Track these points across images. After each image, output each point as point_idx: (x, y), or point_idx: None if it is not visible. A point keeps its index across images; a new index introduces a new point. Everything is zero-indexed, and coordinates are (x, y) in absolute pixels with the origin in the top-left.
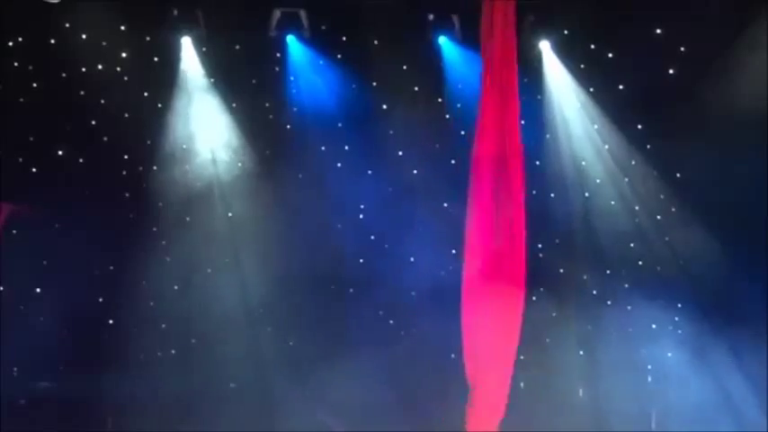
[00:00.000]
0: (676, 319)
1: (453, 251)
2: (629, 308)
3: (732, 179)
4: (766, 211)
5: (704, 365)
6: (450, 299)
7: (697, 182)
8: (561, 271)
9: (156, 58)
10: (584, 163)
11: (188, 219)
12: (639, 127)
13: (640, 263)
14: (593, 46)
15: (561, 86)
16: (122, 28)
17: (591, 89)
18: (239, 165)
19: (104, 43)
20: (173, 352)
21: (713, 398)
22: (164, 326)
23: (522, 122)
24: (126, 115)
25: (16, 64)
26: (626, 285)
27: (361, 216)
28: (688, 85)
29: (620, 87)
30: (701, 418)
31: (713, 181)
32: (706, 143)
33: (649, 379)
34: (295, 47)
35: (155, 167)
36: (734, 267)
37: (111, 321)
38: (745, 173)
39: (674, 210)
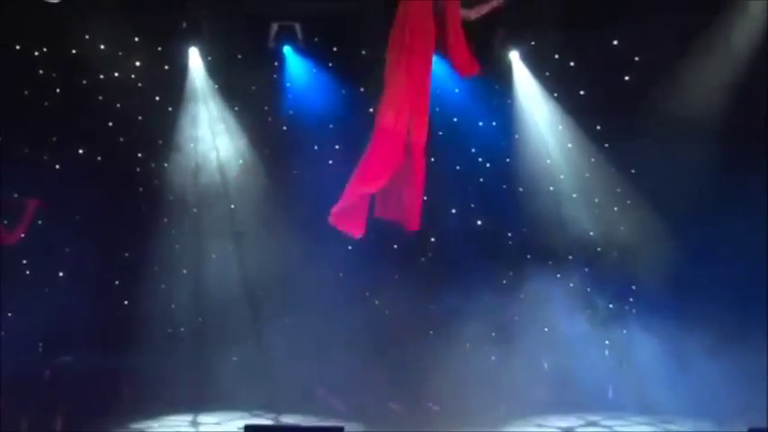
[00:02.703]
0: (631, 299)
1: (432, 239)
2: (588, 289)
3: (679, 173)
4: (710, 201)
5: (655, 341)
6: (425, 282)
7: (649, 176)
8: (528, 257)
9: (166, 67)
10: (549, 160)
11: (195, 210)
12: (598, 128)
13: (599, 249)
14: (557, 56)
15: (529, 92)
16: (136, 39)
17: (555, 94)
18: (240, 162)
19: (120, 53)
20: (181, 329)
21: (663, 369)
22: (173, 306)
23: (494, 124)
24: (140, 117)
25: (41, 72)
26: (586, 269)
27: None
28: (641, 90)
29: (581, 93)
30: (653, 387)
31: (663, 175)
32: (657, 142)
33: (606, 353)
34: (291, 56)
35: (165, 164)
36: (682, 251)
37: (126, 302)
38: (691, 167)
39: (628, 202)
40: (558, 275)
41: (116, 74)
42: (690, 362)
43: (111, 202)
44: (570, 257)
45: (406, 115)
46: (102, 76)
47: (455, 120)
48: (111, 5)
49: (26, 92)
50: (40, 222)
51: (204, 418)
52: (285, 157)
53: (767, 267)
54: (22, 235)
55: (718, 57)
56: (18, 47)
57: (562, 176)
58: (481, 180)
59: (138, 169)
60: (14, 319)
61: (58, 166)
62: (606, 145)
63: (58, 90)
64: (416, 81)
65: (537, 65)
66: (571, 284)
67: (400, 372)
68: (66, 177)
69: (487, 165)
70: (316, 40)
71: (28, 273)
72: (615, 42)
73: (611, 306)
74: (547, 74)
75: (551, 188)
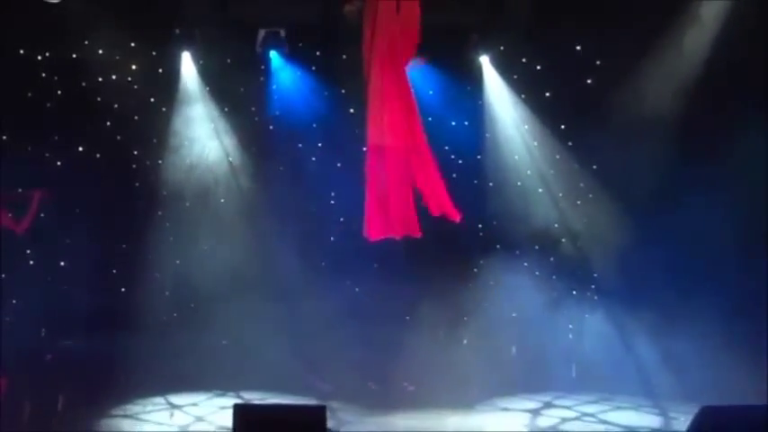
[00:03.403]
0: (593, 286)
1: None
2: (554, 277)
3: (637, 168)
4: (666, 194)
5: (615, 325)
6: (402, 271)
7: (609, 172)
8: (498, 247)
9: (160, 70)
10: (516, 157)
11: (187, 204)
12: (563, 127)
13: (563, 240)
14: (524, 60)
15: (498, 94)
16: (132, 45)
17: (522, 96)
18: (229, 159)
19: (117, 57)
20: (175, 315)
21: (621, 352)
22: (167, 293)
23: (466, 123)
24: (136, 117)
25: (44, 75)
26: (551, 259)
27: (332, 201)
28: (602, 92)
29: (547, 94)
30: (611, 368)
31: (622, 170)
32: (617, 140)
33: (570, 336)
34: (276, 61)
35: (160, 161)
36: (640, 241)
37: (123, 290)
38: (648, 163)
39: (591, 196)
40: (525, 264)
41: (113, 77)
42: (645, 344)
43: (110, 196)
44: (536, 248)
45: (391, 123)
46: (100, 79)
47: (429, 119)
48: (109, 13)
49: (29, 94)
50: (42, 215)
51: (197, 398)
52: (271, 154)
53: (718, 256)
54: (28, 224)
55: (672, 60)
56: (22, 52)
57: (529, 172)
58: (454, 175)
59: (134, 166)
60: (19, 305)
61: (59, 163)
62: (570, 143)
63: (59, 92)
64: (392, 82)
65: (505, 69)
66: (537, 273)
67: (378, 354)
68: (67, 173)
69: (460, 161)
70: (300, 45)
71: (32, 262)
72: (578, 48)
73: (574, 292)
74: (515, 77)
75: (519, 183)
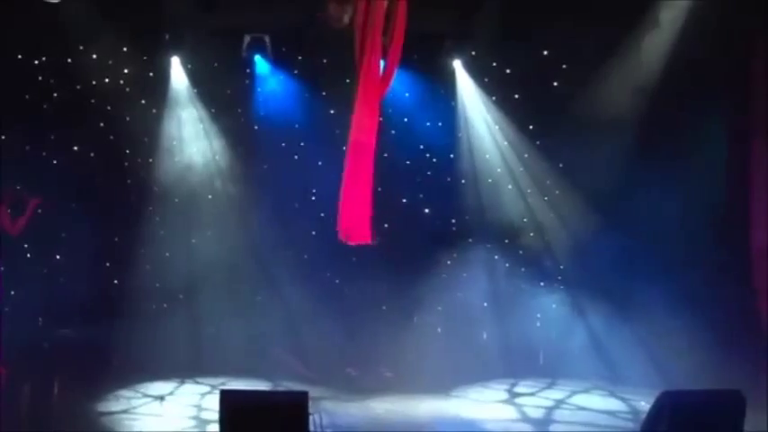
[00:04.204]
0: (559, 277)
1: (386, 225)
2: (522, 269)
3: (601, 166)
4: (628, 190)
5: (580, 315)
6: (380, 263)
7: (575, 169)
8: (470, 240)
9: (151, 74)
10: (487, 156)
11: (177, 200)
12: (531, 127)
13: (531, 234)
14: (494, 64)
15: (470, 96)
16: (125, 49)
17: (493, 98)
18: (216, 158)
19: (110, 62)
20: (164, 305)
21: (586, 339)
22: (157, 284)
23: (440, 124)
24: (127, 119)
25: (40, 78)
26: (520, 252)
27: (313, 198)
28: (568, 94)
29: (516, 96)
30: (577, 356)
31: (587, 168)
32: (582, 139)
33: (538, 324)
34: (261, 64)
35: (151, 160)
36: (604, 235)
37: (116, 281)
38: (611, 161)
39: (557, 192)
40: (496, 257)
41: (106, 80)
42: (608, 331)
43: (103, 192)
44: (506, 241)
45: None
46: (94, 82)
47: (405, 120)
48: (102, 20)
49: (27, 96)
50: (40, 211)
51: (186, 384)
52: (256, 153)
53: (672, 247)
54: (22, 228)
55: (633, 62)
56: (20, 56)
57: (499, 170)
58: (428, 173)
59: (126, 164)
60: (17, 296)
61: (55, 162)
62: (538, 142)
63: (55, 94)
64: (371, 85)
65: (477, 72)
66: (507, 265)
67: (357, 341)
68: (63, 171)
69: (434, 160)
70: (283, 50)
71: (29, 255)
72: (545, 53)
73: (542, 284)
74: (486, 80)
75: (490, 180)
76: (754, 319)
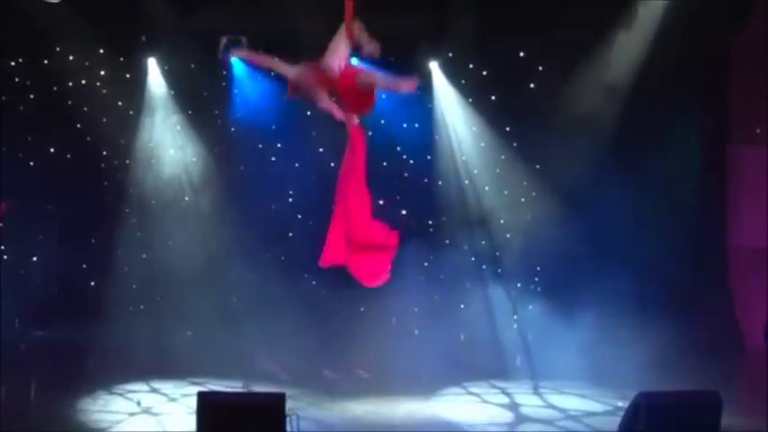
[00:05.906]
0: (536, 279)
1: None
2: (499, 270)
3: (577, 167)
4: (603, 190)
5: (557, 315)
6: None
7: (551, 171)
8: (447, 242)
9: (128, 75)
10: (464, 157)
11: (153, 202)
12: (507, 129)
13: (508, 235)
14: (471, 65)
15: (447, 97)
16: (101, 51)
17: (470, 99)
18: (194, 159)
19: (87, 63)
20: (141, 307)
21: (563, 341)
22: (134, 286)
23: (417, 125)
24: (104, 120)
25: (17, 80)
26: (497, 253)
27: (290, 199)
28: (544, 95)
29: (493, 98)
30: (554, 356)
31: (563, 169)
32: (558, 140)
33: (515, 326)
34: (238, 66)
35: (128, 161)
36: (578, 236)
37: (92, 283)
38: (587, 161)
39: (534, 193)
40: (473, 259)
41: (83, 81)
42: (583, 332)
43: (80, 194)
44: (483, 243)
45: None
46: (70, 84)
47: (382, 122)
48: (79, 22)
49: (3, 97)
50: (15, 214)
51: (163, 385)
52: (233, 154)
53: (646, 248)
54: None
55: (608, 63)
56: None
57: (476, 171)
58: (406, 175)
59: (102, 165)
60: None
61: (32, 163)
62: (514, 144)
63: (32, 96)
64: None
65: (454, 74)
66: (484, 267)
67: (334, 343)
68: (40, 173)
69: (411, 161)
70: (260, 51)
71: (5, 257)
72: (521, 54)
73: (518, 285)
74: (462, 81)
75: (467, 182)
76: (730, 319)
